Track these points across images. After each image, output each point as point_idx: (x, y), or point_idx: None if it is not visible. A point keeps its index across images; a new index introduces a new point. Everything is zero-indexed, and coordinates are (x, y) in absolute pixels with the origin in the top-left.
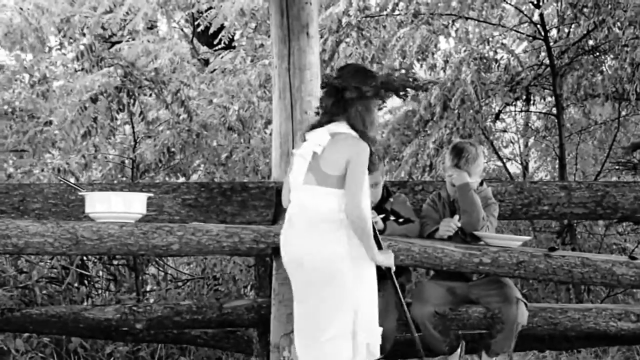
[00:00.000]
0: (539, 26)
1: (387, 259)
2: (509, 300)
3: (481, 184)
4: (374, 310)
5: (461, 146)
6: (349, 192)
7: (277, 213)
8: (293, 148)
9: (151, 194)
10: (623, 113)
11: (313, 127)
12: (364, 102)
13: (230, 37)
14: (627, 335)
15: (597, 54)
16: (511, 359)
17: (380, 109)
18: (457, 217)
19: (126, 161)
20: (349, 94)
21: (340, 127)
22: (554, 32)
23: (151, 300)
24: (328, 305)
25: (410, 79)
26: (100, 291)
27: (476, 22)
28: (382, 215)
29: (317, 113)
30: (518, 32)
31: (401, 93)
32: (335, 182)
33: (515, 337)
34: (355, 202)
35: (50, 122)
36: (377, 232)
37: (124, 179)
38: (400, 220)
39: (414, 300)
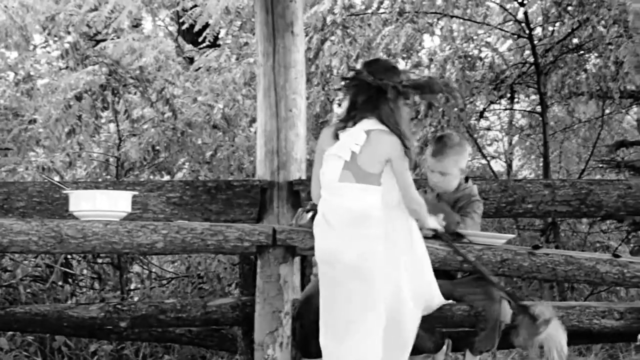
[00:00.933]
0: (523, 24)
1: (433, 223)
2: (493, 298)
3: (466, 180)
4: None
5: (443, 133)
6: (401, 188)
7: (262, 211)
8: (278, 146)
9: (136, 192)
10: (607, 111)
11: (343, 124)
12: (395, 100)
13: (215, 35)
14: (611, 333)
15: (582, 52)
16: (495, 357)
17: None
18: (441, 215)
19: (111, 159)
20: (387, 93)
21: (372, 124)
22: (538, 31)
23: (135, 299)
24: (357, 303)
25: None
26: (84, 289)
27: (461, 20)
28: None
29: (346, 108)
30: (502, 30)
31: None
32: (374, 179)
33: (499, 335)
34: (410, 194)
35: (35, 120)
36: None
37: (109, 177)
38: None
39: None
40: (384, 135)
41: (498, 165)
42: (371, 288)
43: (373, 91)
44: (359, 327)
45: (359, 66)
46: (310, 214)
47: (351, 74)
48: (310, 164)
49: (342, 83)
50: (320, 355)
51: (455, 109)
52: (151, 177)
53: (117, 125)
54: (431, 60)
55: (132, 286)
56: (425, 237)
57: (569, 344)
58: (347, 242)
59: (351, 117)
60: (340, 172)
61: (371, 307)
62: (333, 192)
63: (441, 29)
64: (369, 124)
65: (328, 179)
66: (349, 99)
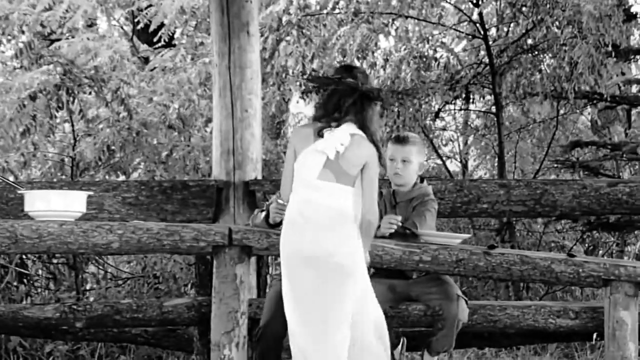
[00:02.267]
0: (478, 25)
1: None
2: (450, 298)
3: (421, 181)
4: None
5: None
6: (367, 194)
7: (218, 211)
8: (233, 146)
9: (91, 192)
10: (561, 111)
11: (327, 124)
12: (375, 105)
13: (170, 35)
14: (566, 332)
15: (536, 52)
16: (451, 356)
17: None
18: (399, 217)
19: (66, 159)
20: (372, 98)
21: (354, 128)
22: (493, 31)
23: (91, 299)
24: (342, 302)
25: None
26: (39, 290)
27: (416, 20)
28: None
29: (320, 109)
30: (457, 30)
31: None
32: (351, 180)
33: (455, 334)
34: (373, 203)
35: None
36: None
37: (64, 177)
38: None
39: None
40: (364, 141)
41: (453, 165)
42: (349, 286)
43: (357, 96)
44: (338, 328)
45: (334, 70)
46: (264, 214)
47: (336, 77)
48: (266, 164)
49: (322, 83)
50: None
51: (411, 109)
52: (106, 177)
53: (72, 125)
54: (386, 60)
55: (88, 286)
56: (382, 237)
57: (525, 344)
58: (329, 242)
59: (335, 119)
60: (321, 170)
61: (350, 309)
62: (312, 189)
63: (396, 29)
64: (352, 128)
65: (307, 174)
66: (332, 101)
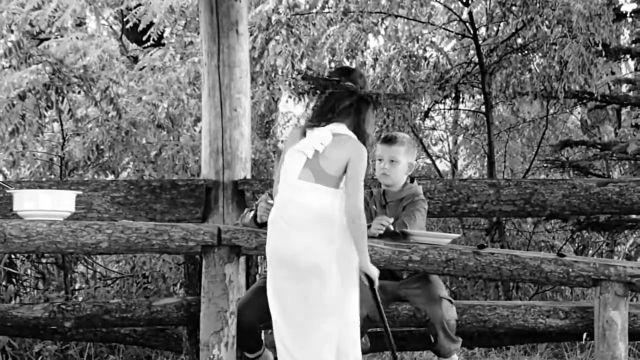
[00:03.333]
0: (467, 24)
1: (374, 271)
2: (433, 300)
3: (412, 181)
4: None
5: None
6: (350, 191)
7: (207, 211)
8: (222, 145)
9: (80, 192)
10: (551, 111)
11: (313, 123)
12: (372, 107)
13: (160, 34)
14: (556, 332)
15: (526, 52)
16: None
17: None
18: (391, 220)
19: (55, 159)
20: (369, 103)
21: (342, 128)
22: (482, 31)
23: (80, 299)
24: (315, 305)
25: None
26: (28, 289)
27: (405, 20)
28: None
29: (316, 111)
30: (447, 30)
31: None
32: (333, 181)
33: (453, 332)
34: (355, 201)
35: None
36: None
37: (53, 176)
38: None
39: None
40: (349, 141)
41: (443, 165)
42: (331, 290)
43: (354, 99)
44: (319, 328)
45: (331, 72)
46: (252, 213)
47: (334, 79)
48: (255, 163)
49: (319, 85)
50: (259, 348)
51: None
52: (95, 176)
53: (61, 125)
54: (376, 60)
55: (77, 286)
56: (372, 237)
57: (514, 344)
58: (304, 243)
59: (326, 119)
60: (301, 170)
61: (328, 308)
62: (292, 189)
63: (386, 28)
64: (339, 127)
65: (289, 174)
66: (329, 104)
